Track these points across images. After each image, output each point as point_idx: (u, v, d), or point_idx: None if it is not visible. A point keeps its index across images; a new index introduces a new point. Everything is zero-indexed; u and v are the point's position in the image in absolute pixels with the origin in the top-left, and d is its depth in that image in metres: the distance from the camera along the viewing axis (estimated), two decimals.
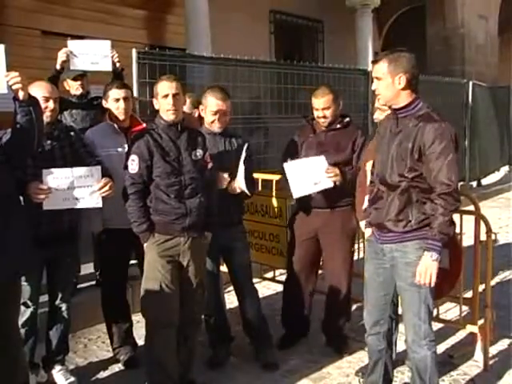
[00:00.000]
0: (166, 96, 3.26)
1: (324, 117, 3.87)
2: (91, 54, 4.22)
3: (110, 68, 4.30)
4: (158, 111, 3.39)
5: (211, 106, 3.71)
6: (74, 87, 4.78)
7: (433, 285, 2.83)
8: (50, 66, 4.52)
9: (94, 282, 4.84)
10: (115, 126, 3.84)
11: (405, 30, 14.43)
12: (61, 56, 4.26)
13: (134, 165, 3.27)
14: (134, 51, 5.02)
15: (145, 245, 3.34)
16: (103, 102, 3.92)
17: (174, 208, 3.27)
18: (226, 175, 3.66)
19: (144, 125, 4.00)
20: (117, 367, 3.97)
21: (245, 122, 6.12)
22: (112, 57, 4.30)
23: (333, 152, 3.84)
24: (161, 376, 3.34)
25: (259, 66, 6.52)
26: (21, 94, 2.83)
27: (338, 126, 3.94)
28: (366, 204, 3.22)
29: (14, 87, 2.80)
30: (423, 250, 2.81)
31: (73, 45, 4.25)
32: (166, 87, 3.27)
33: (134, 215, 3.29)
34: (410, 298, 2.95)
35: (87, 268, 4.77)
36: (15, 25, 7.17)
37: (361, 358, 3.89)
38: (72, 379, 3.65)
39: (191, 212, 3.30)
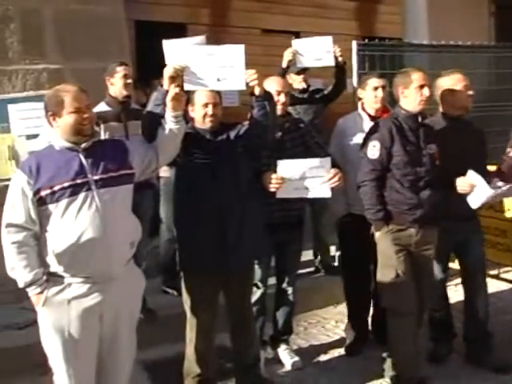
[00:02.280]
0: (422, 87, 3.26)
1: None
2: (315, 51, 4.36)
3: (333, 63, 4.40)
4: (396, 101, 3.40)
5: (459, 81, 3.53)
6: (296, 81, 4.94)
7: None
8: (268, 63, 4.75)
9: (312, 269, 5.02)
10: (365, 114, 3.90)
11: None
12: (287, 55, 4.45)
13: (374, 150, 3.30)
14: (354, 43, 5.08)
15: (376, 234, 3.38)
16: (358, 90, 4.04)
17: (406, 198, 3.26)
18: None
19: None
20: (336, 352, 4.07)
21: None
22: (334, 52, 4.40)
23: None
24: (402, 366, 3.39)
25: (482, 51, 6.15)
26: (257, 90, 3.04)
27: None
28: None
29: (251, 84, 3.00)
30: None
31: (297, 44, 4.44)
32: (422, 78, 3.27)
33: (370, 202, 3.32)
34: None
35: (306, 255, 4.95)
36: (237, 25, 7.67)
37: None
38: (296, 359, 3.84)
39: (423, 204, 3.27)
